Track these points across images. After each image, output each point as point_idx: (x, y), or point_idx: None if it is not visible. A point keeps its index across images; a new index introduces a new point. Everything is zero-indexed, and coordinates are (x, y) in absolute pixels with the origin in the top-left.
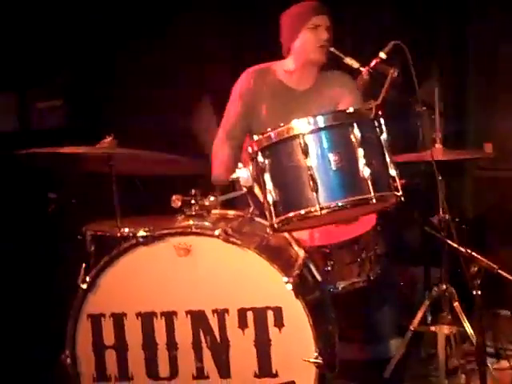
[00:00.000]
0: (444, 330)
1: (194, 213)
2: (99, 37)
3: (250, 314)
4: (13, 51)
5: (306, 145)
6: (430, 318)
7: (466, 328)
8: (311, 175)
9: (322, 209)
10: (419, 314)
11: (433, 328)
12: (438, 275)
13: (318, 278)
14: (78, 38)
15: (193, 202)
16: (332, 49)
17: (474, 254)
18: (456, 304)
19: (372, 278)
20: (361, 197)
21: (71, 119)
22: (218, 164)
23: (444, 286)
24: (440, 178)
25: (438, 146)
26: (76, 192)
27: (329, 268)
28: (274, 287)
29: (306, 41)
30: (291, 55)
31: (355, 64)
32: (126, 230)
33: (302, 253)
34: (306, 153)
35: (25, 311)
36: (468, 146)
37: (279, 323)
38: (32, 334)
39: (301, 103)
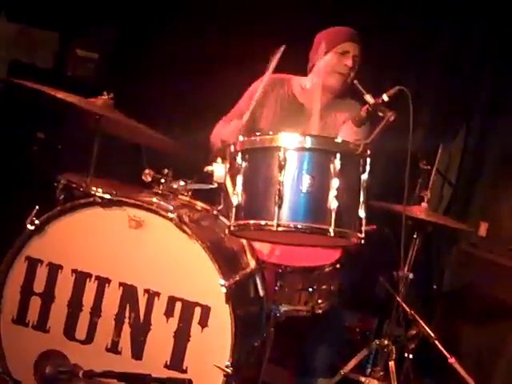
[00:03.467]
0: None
1: (160, 191)
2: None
3: (178, 305)
4: None
5: (284, 159)
6: (368, 370)
7: None
8: (279, 190)
9: (278, 225)
10: (353, 361)
11: (362, 379)
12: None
13: (261, 293)
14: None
15: (162, 180)
16: (356, 81)
17: (416, 317)
18: (391, 363)
19: (317, 311)
20: (320, 226)
21: (100, 75)
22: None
23: (386, 342)
24: (415, 236)
25: (424, 205)
26: (66, 139)
27: (277, 288)
28: (209, 286)
29: (328, 62)
30: (311, 73)
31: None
32: (94, 188)
33: (252, 263)
34: (281, 167)
35: None
36: (469, 219)
37: (203, 322)
38: None
39: (306, 121)
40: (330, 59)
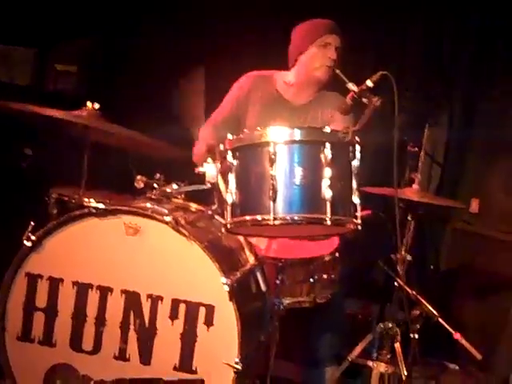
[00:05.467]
0: (380, 367)
1: (153, 196)
2: (126, 11)
3: (182, 307)
4: (42, 8)
5: (275, 154)
6: (375, 354)
7: (402, 371)
8: (273, 184)
9: (275, 219)
10: (359, 347)
11: (370, 363)
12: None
13: (263, 288)
14: (108, 8)
15: (155, 185)
16: (338, 71)
17: (419, 297)
18: (397, 345)
19: (319, 300)
20: (316, 216)
21: (81, 87)
22: (201, 144)
23: (389, 325)
24: (410, 218)
25: (415, 186)
26: (54, 153)
27: (278, 282)
28: (211, 285)
29: (312, 57)
30: (295, 68)
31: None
32: (86, 199)
33: (252, 259)
34: (272, 161)
35: None
36: (460, 197)
37: (209, 321)
38: None
39: (293, 117)
40: (314, 53)
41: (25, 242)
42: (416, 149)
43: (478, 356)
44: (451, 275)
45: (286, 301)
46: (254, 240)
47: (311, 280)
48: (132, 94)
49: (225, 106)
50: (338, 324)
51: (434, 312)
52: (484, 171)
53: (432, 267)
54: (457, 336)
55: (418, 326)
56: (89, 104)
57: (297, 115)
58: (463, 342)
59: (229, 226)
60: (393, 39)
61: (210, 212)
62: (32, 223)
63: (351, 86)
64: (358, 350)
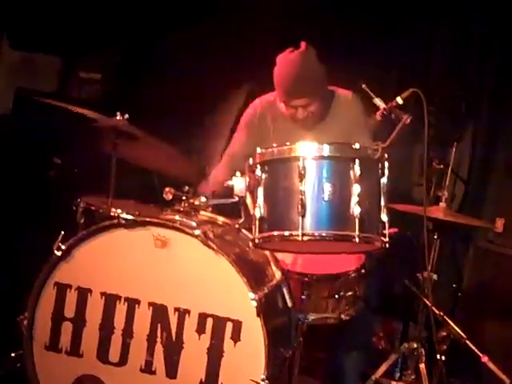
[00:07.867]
0: None
1: (182, 209)
2: (151, 22)
3: (209, 321)
4: (68, 17)
5: (304, 169)
6: (398, 374)
7: None
8: (302, 200)
9: (304, 235)
10: (383, 366)
11: (394, 383)
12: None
13: (289, 303)
14: (133, 19)
15: (183, 198)
16: (363, 86)
17: (446, 318)
18: (422, 366)
19: (344, 317)
20: (344, 233)
21: (105, 96)
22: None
23: (414, 345)
24: (436, 236)
25: (442, 204)
26: (82, 163)
27: (304, 297)
28: (239, 300)
29: (286, 111)
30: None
31: (383, 106)
32: (113, 209)
33: (278, 274)
34: (302, 177)
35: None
36: (484, 216)
37: (236, 337)
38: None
39: (308, 133)
40: (286, 109)
41: (55, 251)
42: (441, 166)
43: (507, 380)
44: (474, 295)
45: (312, 316)
46: (279, 254)
47: (336, 296)
48: (157, 104)
49: (236, 137)
50: (363, 342)
51: (462, 334)
52: (509, 190)
53: (454, 286)
54: (484, 359)
55: (445, 348)
56: (118, 114)
57: (316, 130)
58: (490, 365)
59: (256, 241)
60: (417, 54)
61: (236, 226)
62: (62, 233)
63: (378, 102)
64: (382, 369)
